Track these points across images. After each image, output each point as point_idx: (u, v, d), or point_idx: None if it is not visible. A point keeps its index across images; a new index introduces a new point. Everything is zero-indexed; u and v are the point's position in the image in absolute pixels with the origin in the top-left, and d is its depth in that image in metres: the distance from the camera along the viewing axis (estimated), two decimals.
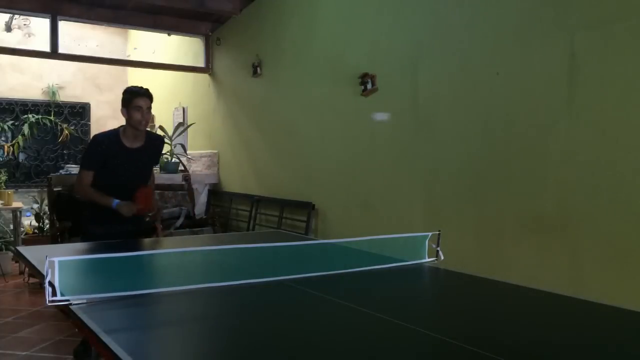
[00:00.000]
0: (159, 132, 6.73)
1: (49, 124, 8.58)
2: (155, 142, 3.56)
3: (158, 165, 5.69)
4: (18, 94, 8.44)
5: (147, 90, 3.37)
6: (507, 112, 3.11)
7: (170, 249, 2.68)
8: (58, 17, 5.98)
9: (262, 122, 5.66)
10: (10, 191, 6.46)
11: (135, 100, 3.28)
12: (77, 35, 8.02)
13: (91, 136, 8.68)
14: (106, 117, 8.96)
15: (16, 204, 6.34)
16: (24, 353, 3.71)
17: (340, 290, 1.97)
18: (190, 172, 6.42)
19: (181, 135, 6.75)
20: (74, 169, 6.15)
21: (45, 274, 1.67)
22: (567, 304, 1.86)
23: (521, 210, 3.03)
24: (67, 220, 5.36)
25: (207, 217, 6.10)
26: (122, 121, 3.41)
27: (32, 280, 5.65)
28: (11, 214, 6.31)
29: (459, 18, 3.41)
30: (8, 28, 8.15)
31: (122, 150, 3.30)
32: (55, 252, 2.09)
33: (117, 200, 3.25)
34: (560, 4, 2.83)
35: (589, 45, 2.70)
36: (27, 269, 5.52)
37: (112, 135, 3.34)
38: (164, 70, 7.38)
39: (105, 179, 3.30)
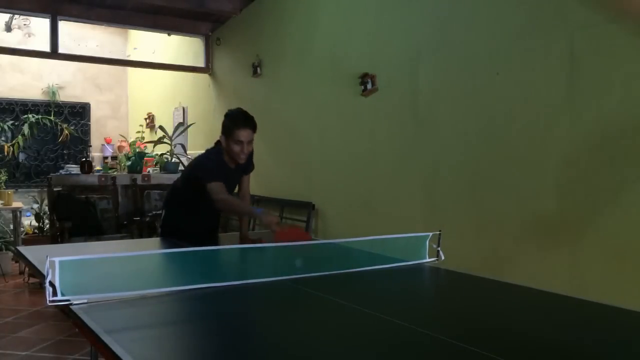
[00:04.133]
0: (159, 132, 6.75)
1: (49, 124, 8.59)
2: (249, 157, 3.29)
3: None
4: (18, 94, 8.45)
5: (252, 120, 3.10)
6: (507, 112, 3.11)
7: (171, 249, 2.68)
8: (58, 17, 5.98)
9: (262, 122, 5.58)
10: (10, 191, 6.46)
11: (238, 133, 3.01)
12: (77, 35, 8.03)
13: (91, 136, 8.79)
14: (106, 117, 8.97)
15: (16, 204, 6.34)
16: (24, 353, 3.71)
17: (341, 290, 1.97)
18: None
19: (181, 135, 6.74)
20: (73, 169, 6.15)
21: (45, 274, 1.67)
22: (567, 304, 1.86)
23: (521, 210, 3.03)
24: (67, 220, 5.36)
25: None
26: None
27: (32, 280, 5.66)
28: (11, 214, 6.32)
29: (459, 18, 3.41)
30: (8, 28, 8.15)
31: (227, 171, 3.14)
32: (56, 252, 2.09)
33: (260, 209, 3.13)
34: (560, 4, 2.83)
35: (589, 45, 2.70)
36: (27, 269, 5.53)
37: (216, 155, 3.18)
38: (163, 70, 7.39)
39: (204, 195, 3.00)
